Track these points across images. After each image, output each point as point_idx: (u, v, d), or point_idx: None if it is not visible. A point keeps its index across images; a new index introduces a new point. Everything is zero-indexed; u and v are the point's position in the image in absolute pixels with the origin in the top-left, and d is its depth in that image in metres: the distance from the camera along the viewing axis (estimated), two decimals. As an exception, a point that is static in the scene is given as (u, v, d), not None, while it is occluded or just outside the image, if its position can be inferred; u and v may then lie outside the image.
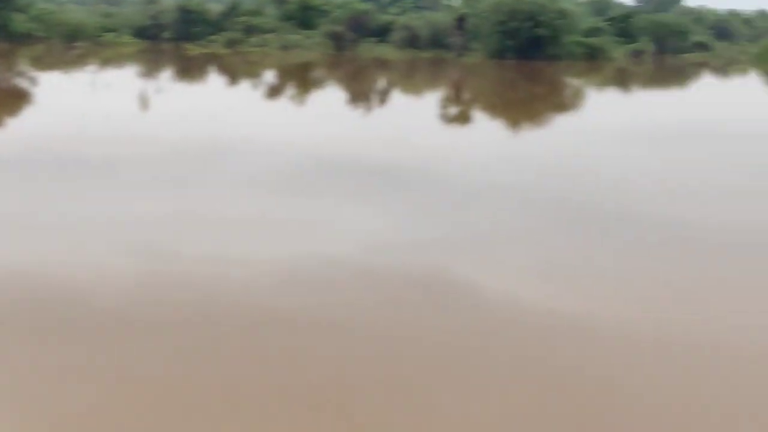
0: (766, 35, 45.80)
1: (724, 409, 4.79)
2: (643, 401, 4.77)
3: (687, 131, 16.48)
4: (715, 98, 26.32)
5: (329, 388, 4.81)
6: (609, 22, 39.88)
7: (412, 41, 36.23)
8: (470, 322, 6.02)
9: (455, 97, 25.47)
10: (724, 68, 37.95)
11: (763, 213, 9.94)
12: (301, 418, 4.44)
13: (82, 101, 18.24)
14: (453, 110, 22.01)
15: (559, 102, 24.25)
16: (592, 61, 35.07)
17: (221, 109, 18.38)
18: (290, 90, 25.94)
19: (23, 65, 28.99)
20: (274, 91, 24.54)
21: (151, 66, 30.10)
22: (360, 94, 23.76)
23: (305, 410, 4.54)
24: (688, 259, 7.83)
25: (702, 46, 42.32)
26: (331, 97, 23.28)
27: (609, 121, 18.85)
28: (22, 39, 33.52)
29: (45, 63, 29.82)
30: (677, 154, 13.76)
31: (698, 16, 49.83)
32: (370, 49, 35.84)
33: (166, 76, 27.51)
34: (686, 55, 40.66)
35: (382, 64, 33.31)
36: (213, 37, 36.82)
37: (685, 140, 15.32)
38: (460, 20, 35.56)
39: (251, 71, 30.17)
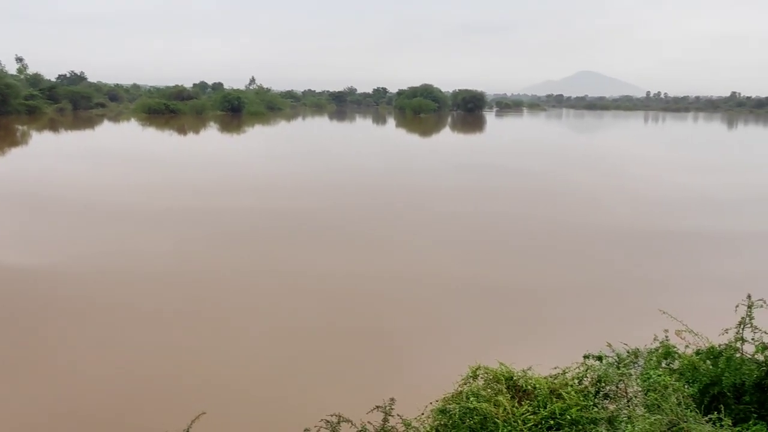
0: (139, 98, 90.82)
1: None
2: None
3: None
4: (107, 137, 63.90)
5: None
6: (41, 91, 74.78)
7: None
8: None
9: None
10: (116, 117, 77.90)
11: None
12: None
13: None
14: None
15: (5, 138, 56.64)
16: (32, 115, 68.50)
17: None
18: None
19: None
20: None
21: None
22: None
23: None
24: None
25: (101, 105, 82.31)
26: None
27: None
28: None
29: None
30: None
31: (98, 87, 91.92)
32: None
33: None
34: (92, 110, 79.46)
35: None
36: None
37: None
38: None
39: None
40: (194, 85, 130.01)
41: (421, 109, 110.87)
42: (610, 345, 7.87)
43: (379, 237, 19.58)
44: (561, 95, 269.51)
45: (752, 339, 6.13)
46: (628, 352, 7.50)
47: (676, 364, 6.69)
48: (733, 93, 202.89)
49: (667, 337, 6.90)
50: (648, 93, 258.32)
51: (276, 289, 14.32)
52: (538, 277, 15.77)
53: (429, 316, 12.87)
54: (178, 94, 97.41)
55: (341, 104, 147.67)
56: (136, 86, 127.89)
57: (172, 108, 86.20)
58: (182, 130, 65.77)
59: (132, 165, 35.55)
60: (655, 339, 6.99)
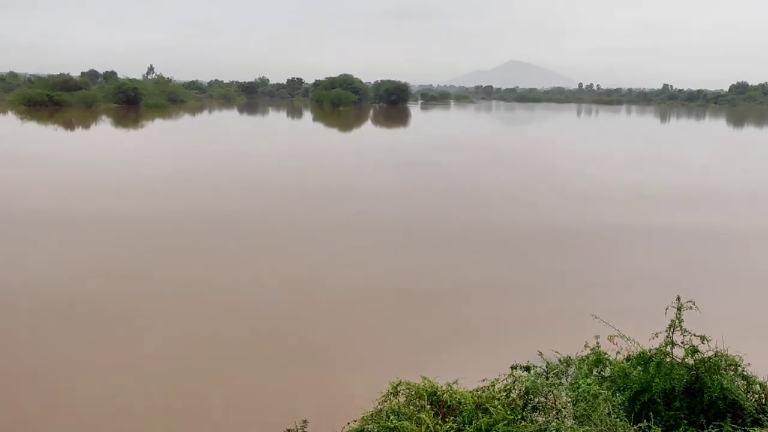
0: (17, 87, 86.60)
1: None
2: None
3: None
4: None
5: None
6: None
7: None
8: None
9: None
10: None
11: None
12: None
13: None
14: None
15: None
16: None
17: None
18: None
19: None
20: None
21: None
22: None
23: None
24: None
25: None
26: None
27: None
28: None
29: None
30: None
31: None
32: None
33: None
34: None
35: None
36: None
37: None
38: None
39: None
40: (83, 74, 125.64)
41: (341, 101, 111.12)
42: (541, 354, 8.07)
43: (292, 241, 19.44)
44: (490, 86, 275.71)
45: (682, 342, 6.44)
46: (559, 360, 7.74)
47: (607, 372, 6.95)
48: (665, 86, 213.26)
49: (598, 343, 7.16)
50: (580, 85, 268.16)
51: (175, 299, 13.97)
52: (466, 282, 16.03)
53: (347, 327, 12.86)
54: (63, 83, 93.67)
55: (252, 96, 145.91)
56: (13, 74, 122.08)
57: (57, 99, 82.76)
58: (69, 125, 63.28)
59: (4, 164, 33.92)
60: (586, 346, 7.23)
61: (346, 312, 13.68)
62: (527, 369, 6.78)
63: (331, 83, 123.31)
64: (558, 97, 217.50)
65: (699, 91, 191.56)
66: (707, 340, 6.47)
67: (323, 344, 12.10)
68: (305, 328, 12.84)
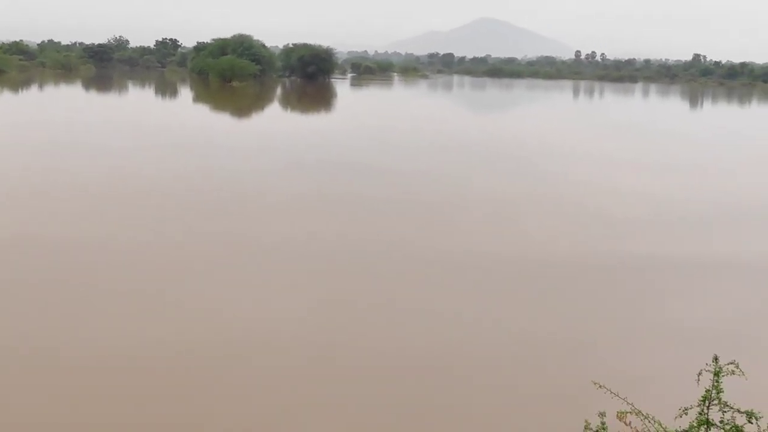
0: None
1: None
2: None
3: None
4: None
5: None
6: None
7: None
8: None
9: None
10: None
11: None
12: None
13: None
14: None
15: None
16: None
17: None
18: None
19: None
20: None
21: None
22: None
23: None
24: None
25: None
26: None
27: None
28: None
29: None
30: None
31: None
32: None
33: None
34: None
35: None
36: None
37: None
38: None
39: None
40: None
41: (234, 73, 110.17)
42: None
43: (165, 275, 19.21)
44: (451, 55, 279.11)
45: (721, 421, 6.57)
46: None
47: (617, 464, 7.05)
48: (696, 56, 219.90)
49: (603, 423, 7.25)
50: (578, 54, 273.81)
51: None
52: (417, 341, 16.04)
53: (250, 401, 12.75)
54: None
55: (104, 65, 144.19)
56: None
57: None
58: None
59: None
60: (586, 428, 7.32)
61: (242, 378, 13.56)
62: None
63: (221, 48, 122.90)
64: (547, 71, 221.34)
65: (743, 64, 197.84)
66: (757, 418, 6.59)
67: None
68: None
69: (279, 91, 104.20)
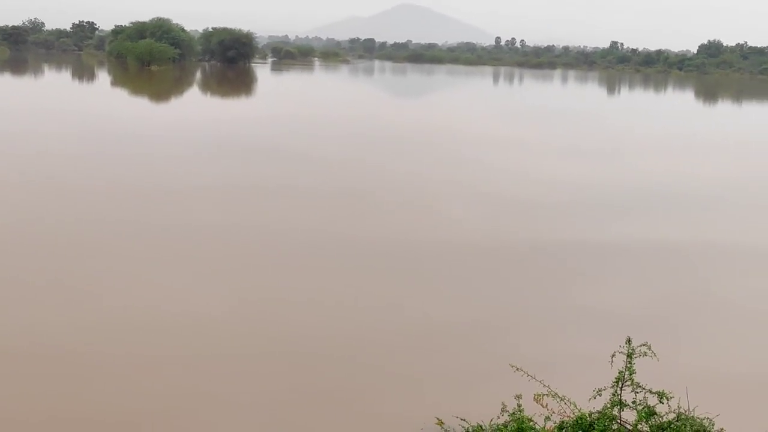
0: None
1: None
2: None
3: None
4: None
5: None
6: None
7: None
8: None
9: None
10: None
11: None
12: None
13: None
14: None
15: None
16: None
17: None
18: None
19: None
20: None
21: None
22: None
23: None
24: None
25: None
26: None
27: None
28: None
29: None
30: None
31: None
32: None
33: None
34: None
35: None
36: None
37: None
38: None
39: None
40: None
41: (153, 57, 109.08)
42: (440, 422, 8.18)
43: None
44: (372, 40, 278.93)
45: (633, 402, 6.69)
46: (466, 431, 7.85)
47: (533, 445, 7.11)
48: (614, 44, 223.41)
49: (520, 405, 7.32)
50: (498, 40, 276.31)
51: None
52: (333, 323, 16.01)
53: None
54: None
55: (19, 47, 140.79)
56: None
57: None
58: None
59: None
60: (503, 410, 7.38)
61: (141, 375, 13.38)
62: (422, 446, 6.86)
63: (139, 31, 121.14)
64: (468, 57, 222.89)
65: (659, 52, 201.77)
66: (667, 398, 6.72)
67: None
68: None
69: (199, 75, 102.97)
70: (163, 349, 14.29)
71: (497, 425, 7.28)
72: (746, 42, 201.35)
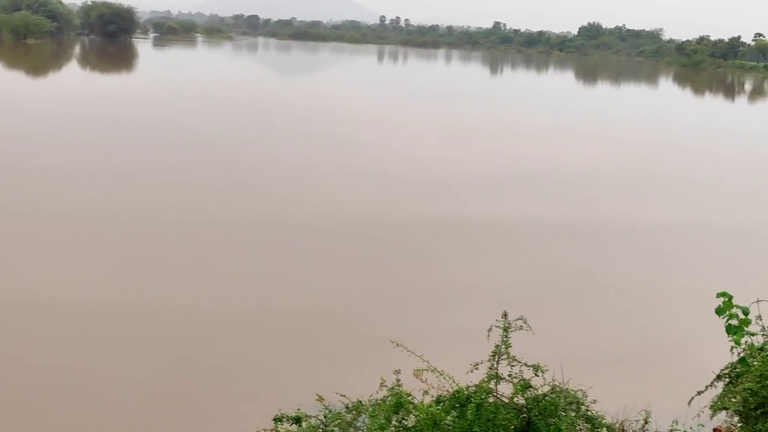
0: None
1: None
2: None
3: None
4: None
5: None
6: None
7: None
8: None
9: None
10: None
11: None
12: None
13: None
14: None
15: None
16: None
17: None
18: None
19: None
20: None
21: None
22: None
23: None
24: None
25: None
26: None
27: None
28: None
29: None
30: None
31: None
32: None
33: None
34: None
35: None
36: None
37: None
38: None
39: None
40: None
41: (29, 30, 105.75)
42: (320, 398, 8.17)
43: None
44: (256, 17, 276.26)
45: (510, 375, 6.78)
46: (346, 407, 7.85)
47: (411, 420, 7.14)
48: (497, 24, 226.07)
49: (399, 380, 7.34)
50: (383, 19, 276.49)
51: None
52: (210, 298, 15.87)
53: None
54: None
55: None
56: None
57: None
58: None
59: None
60: (382, 385, 7.39)
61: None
62: (297, 421, 6.82)
63: (14, 3, 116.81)
64: (352, 35, 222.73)
65: (540, 33, 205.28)
66: (542, 372, 6.83)
67: None
68: None
69: (78, 50, 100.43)
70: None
71: (376, 400, 7.29)
72: (624, 25, 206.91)
